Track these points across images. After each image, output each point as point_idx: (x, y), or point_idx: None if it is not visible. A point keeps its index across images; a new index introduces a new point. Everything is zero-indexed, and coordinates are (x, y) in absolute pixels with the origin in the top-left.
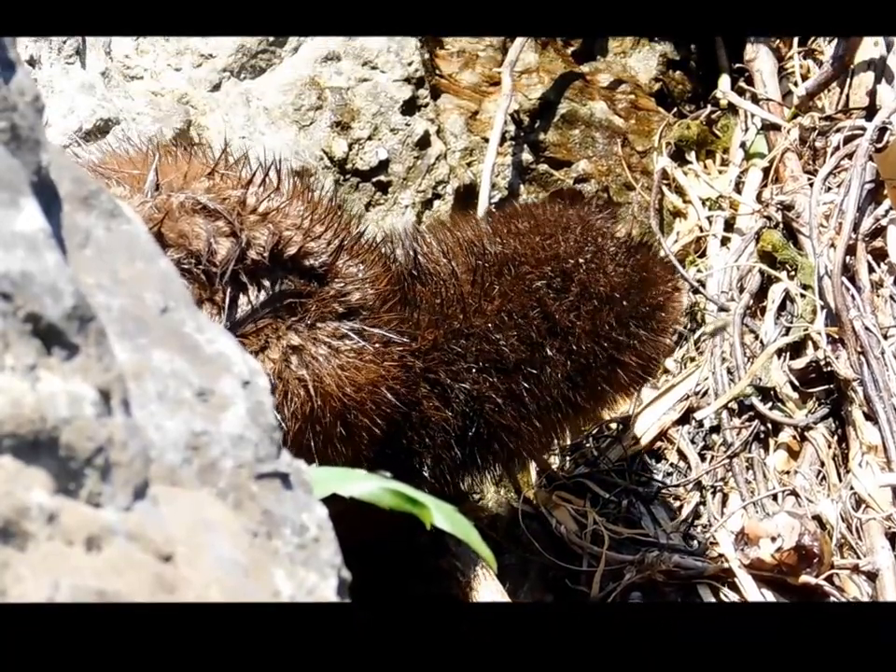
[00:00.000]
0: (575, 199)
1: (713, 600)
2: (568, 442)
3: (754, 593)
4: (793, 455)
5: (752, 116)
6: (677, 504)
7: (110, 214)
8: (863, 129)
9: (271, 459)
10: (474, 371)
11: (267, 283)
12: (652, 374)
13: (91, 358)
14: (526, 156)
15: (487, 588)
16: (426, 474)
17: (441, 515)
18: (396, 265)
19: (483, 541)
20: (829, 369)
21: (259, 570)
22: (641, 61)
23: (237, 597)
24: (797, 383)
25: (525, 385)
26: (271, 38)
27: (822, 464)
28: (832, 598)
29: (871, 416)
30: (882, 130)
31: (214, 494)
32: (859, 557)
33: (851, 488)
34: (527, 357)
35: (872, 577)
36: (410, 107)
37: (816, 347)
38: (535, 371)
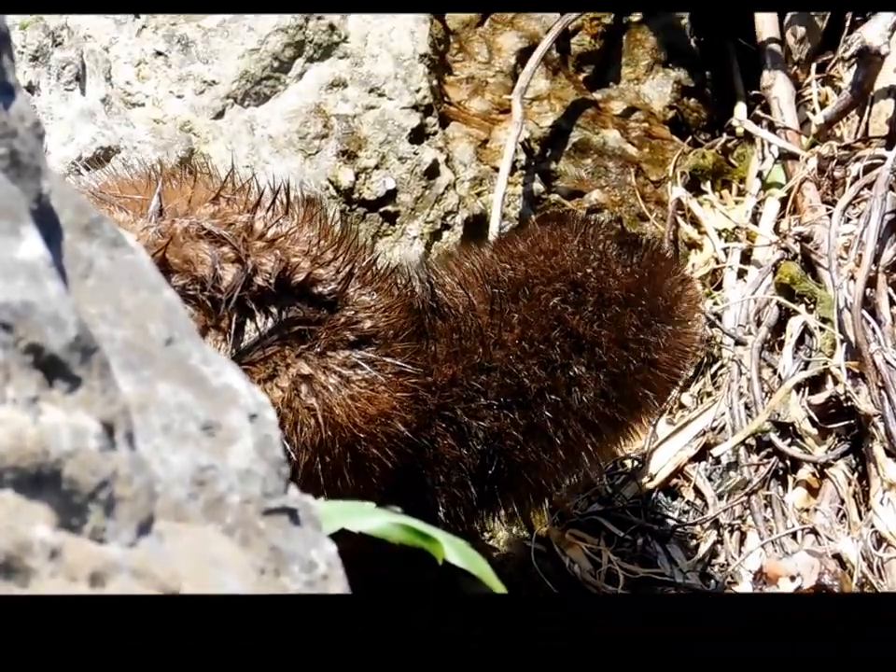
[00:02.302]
0: (562, 219)
1: None
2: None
3: None
4: (813, 492)
5: (769, 145)
6: (693, 543)
7: (113, 243)
8: (883, 158)
9: (279, 494)
10: (495, 407)
11: (274, 310)
12: (686, 368)
13: (94, 391)
14: (538, 185)
15: None
16: (440, 514)
17: (454, 550)
18: (414, 297)
19: (496, 576)
20: (849, 404)
21: None
22: (655, 88)
23: None
24: (816, 418)
25: (550, 415)
26: (275, 65)
27: (843, 501)
28: None
29: (892, 452)
30: None
31: (220, 529)
32: None
33: (872, 526)
34: (553, 384)
35: None
36: (418, 135)
37: (835, 382)
38: (563, 398)
